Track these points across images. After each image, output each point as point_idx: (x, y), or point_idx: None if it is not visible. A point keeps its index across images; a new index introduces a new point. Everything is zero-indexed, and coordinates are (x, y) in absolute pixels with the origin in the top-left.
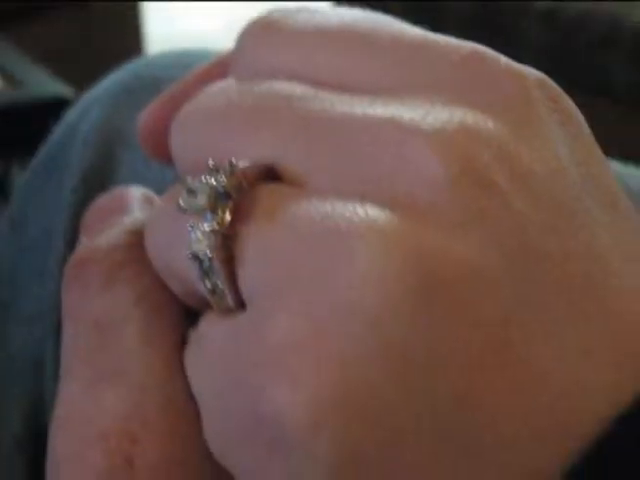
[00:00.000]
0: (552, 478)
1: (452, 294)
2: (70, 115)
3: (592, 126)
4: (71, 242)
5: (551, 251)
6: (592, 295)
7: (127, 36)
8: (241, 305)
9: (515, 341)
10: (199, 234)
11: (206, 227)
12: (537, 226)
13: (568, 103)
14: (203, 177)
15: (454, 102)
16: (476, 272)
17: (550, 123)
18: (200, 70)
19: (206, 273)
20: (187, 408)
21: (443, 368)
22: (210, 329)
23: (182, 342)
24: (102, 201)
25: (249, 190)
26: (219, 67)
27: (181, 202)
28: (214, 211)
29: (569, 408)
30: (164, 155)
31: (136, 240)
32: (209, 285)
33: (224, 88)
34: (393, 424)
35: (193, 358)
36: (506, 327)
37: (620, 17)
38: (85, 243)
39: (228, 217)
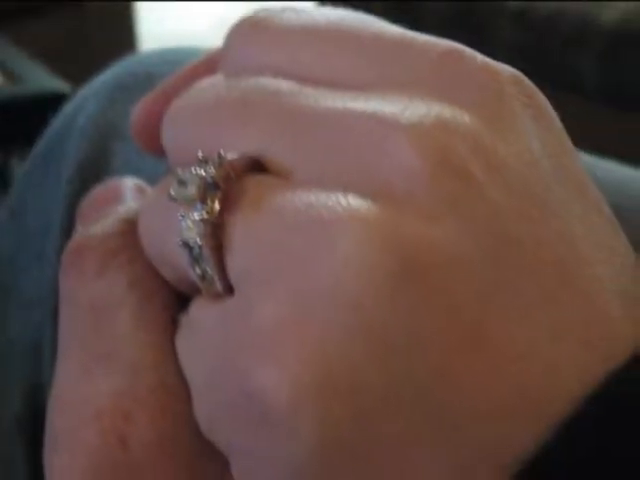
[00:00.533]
0: (525, 455)
1: (430, 279)
2: (67, 109)
3: (563, 121)
4: (68, 230)
5: (524, 238)
6: (564, 280)
7: (121, 35)
8: (229, 290)
9: (490, 323)
10: (189, 223)
11: (196, 216)
12: (511, 215)
13: (541, 98)
14: (193, 168)
15: (432, 97)
16: (453, 258)
17: (523, 117)
18: (190, 67)
19: (196, 260)
20: (178, 388)
21: (422, 349)
22: (200, 313)
23: (173, 325)
24: (97, 191)
25: (237, 181)
26: (208, 64)
27: (172, 192)
28: (203, 201)
29: (541, 387)
30: (156, 147)
31: (129, 228)
32: (199, 271)
33: (213, 84)
34: (373, 403)
35: (184, 341)
36: (481, 310)
37: (590, 17)
38: (81, 231)
39: (217, 207)
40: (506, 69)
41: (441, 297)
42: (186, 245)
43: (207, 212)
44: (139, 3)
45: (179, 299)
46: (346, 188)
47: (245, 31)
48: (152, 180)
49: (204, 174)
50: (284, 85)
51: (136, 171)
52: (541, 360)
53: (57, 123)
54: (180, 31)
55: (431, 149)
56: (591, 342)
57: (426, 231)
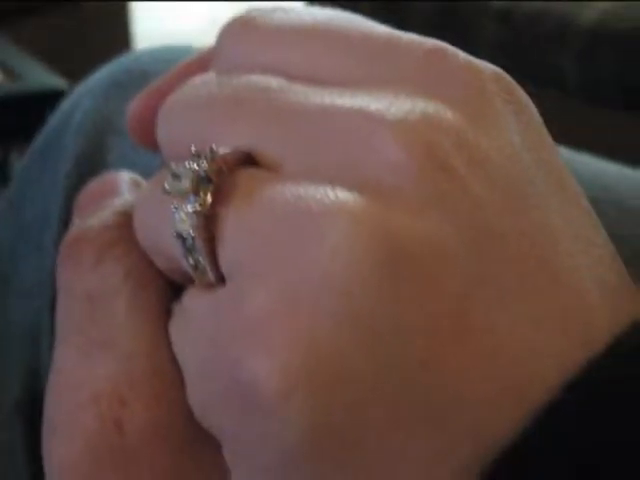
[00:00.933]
0: (504, 440)
1: (415, 269)
2: (64, 106)
3: (544, 116)
4: (65, 222)
5: (506, 230)
6: (544, 270)
7: (117, 33)
8: (221, 280)
9: (473, 312)
10: (183, 215)
11: (189, 208)
12: (493, 207)
13: (521, 95)
14: (186, 162)
15: (417, 94)
16: (437, 249)
17: (505, 113)
18: (184, 65)
19: (189, 251)
20: (172, 375)
21: (408, 337)
22: (192, 302)
23: (167, 314)
24: (93, 185)
25: (229, 174)
26: (201, 62)
27: (166, 185)
28: (196, 194)
29: (522, 374)
30: (151, 142)
31: (125, 221)
32: (192, 262)
33: (205, 81)
34: (361, 389)
35: (177, 329)
36: (465, 299)
37: (570, 17)
38: (78, 224)
39: (209, 199)
40: (488, 67)
41: (426, 286)
42: (180, 236)
43: (200, 205)
44: (134, 3)
45: (173, 289)
46: (334, 181)
47: (236, 30)
48: (147, 174)
49: (197, 168)
50: (274, 82)
51: (131, 165)
52: (521, 347)
53: (55, 119)
54: (174, 30)
55: (416, 144)
56: (570, 330)
57: (412, 223)
